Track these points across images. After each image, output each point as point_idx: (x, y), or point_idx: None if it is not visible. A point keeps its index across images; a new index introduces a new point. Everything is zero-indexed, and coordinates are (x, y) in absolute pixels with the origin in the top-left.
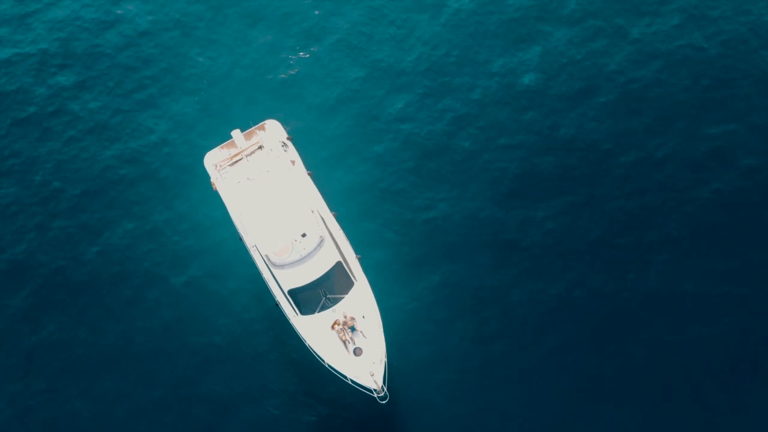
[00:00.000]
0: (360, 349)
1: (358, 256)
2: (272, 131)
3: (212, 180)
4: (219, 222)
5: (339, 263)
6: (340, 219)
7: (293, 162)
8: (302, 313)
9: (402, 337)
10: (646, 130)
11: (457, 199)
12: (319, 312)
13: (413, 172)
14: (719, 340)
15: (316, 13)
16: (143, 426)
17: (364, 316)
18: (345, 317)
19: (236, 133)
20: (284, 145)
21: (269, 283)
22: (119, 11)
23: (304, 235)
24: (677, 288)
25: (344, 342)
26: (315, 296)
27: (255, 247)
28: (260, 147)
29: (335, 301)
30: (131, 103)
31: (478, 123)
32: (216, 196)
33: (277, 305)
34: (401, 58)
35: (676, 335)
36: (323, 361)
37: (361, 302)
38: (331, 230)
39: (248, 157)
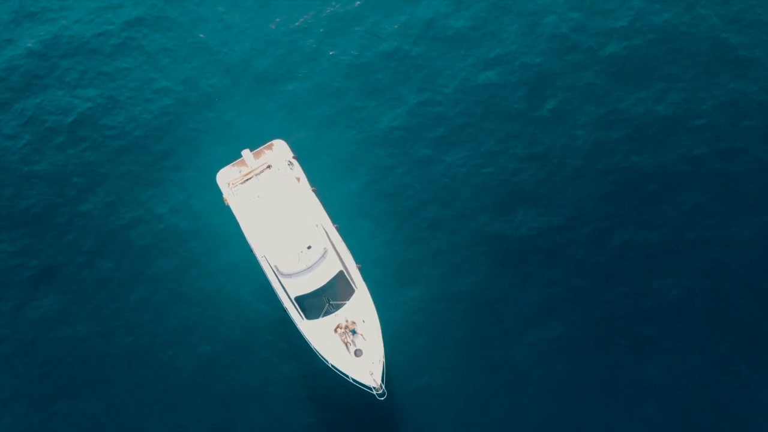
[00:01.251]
0: (360, 350)
1: (359, 265)
2: (279, 151)
3: (224, 196)
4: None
5: (341, 272)
6: (341, 231)
7: (298, 179)
8: (308, 317)
9: (399, 338)
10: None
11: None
12: (323, 317)
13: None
14: None
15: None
16: (152, 424)
17: (364, 321)
18: (347, 321)
19: (246, 153)
20: (290, 163)
21: (277, 291)
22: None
23: (309, 247)
24: None
25: (346, 344)
26: (319, 302)
27: (264, 258)
28: (269, 166)
29: (338, 307)
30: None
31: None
32: (228, 212)
33: (284, 311)
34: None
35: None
36: (327, 361)
37: (361, 308)
38: (333, 242)
39: (258, 176)
